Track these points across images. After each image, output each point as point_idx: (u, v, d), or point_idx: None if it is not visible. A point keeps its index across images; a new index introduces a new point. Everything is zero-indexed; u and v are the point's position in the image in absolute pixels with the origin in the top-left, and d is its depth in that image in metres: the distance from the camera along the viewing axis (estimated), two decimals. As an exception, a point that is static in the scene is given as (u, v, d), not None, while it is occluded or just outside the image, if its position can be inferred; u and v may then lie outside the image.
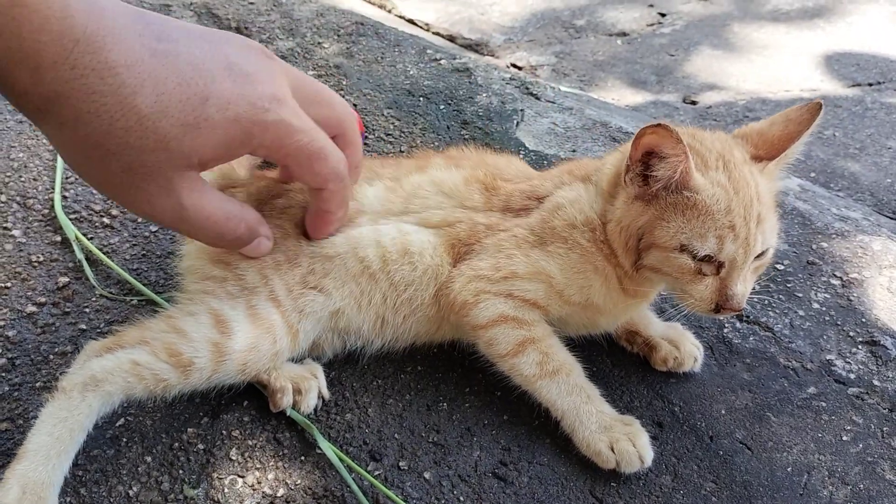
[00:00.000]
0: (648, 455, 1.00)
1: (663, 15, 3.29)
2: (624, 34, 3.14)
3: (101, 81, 0.74)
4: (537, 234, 1.08)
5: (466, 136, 1.64)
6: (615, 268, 1.06)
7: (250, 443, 1.05)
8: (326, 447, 1.03)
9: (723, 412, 1.12)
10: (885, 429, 1.11)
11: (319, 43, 1.92)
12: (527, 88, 1.87)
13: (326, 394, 1.10)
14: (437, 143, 1.61)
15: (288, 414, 1.07)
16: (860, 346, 1.23)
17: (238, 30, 1.94)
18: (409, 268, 1.10)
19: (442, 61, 1.90)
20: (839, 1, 3.27)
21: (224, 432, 1.06)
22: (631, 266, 1.03)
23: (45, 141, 1.53)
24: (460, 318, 1.09)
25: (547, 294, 1.07)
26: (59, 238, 1.34)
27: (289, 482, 1.01)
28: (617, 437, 1.01)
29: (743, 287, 0.99)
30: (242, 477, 1.01)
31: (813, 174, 2.21)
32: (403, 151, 1.59)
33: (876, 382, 1.17)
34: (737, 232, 0.96)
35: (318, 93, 0.96)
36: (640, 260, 1.01)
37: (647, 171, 0.99)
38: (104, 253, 1.32)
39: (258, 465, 1.03)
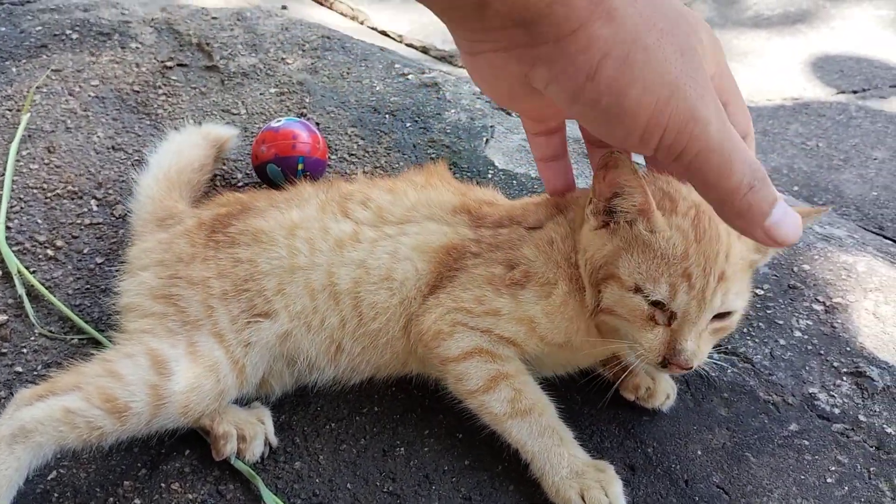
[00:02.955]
0: (621, 506, 0.93)
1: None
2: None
3: None
4: (526, 272, 1.01)
5: (433, 155, 1.57)
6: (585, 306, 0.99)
7: (191, 496, 0.98)
8: (271, 501, 0.96)
9: (699, 453, 1.05)
10: (871, 469, 1.04)
11: (283, 59, 1.85)
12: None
13: (274, 441, 1.03)
14: (401, 164, 1.54)
15: (232, 462, 1.00)
16: (844, 378, 1.16)
17: (199, 46, 1.87)
18: (387, 294, 1.04)
19: (410, 76, 1.83)
20: (822, 5, 3.22)
21: (163, 485, 0.99)
22: (593, 307, 0.96)
23: (-11, 167, 1.45)
24: (430, 349, 1.02)
25: (527, 336, 1.01)
26: (-1, 272, 1.26)
27: (231, 540, 0.94)
28: (589, 484, 0.94)
29: (694, 345, 0.91)
30: (181, 535, 0.94)
31: (796, 188, 2.15)
32: (367, 172, 1.51)
33: (862, 417, 1.10)
34: (692, 282, 0.89)
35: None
36: (598, 299, 0.95)
37: (611, 208, 0.93)
38: (46, 287, 1.24)
39: (198, 522, 0.95)
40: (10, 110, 1.60)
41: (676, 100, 0.65)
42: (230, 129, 1.44)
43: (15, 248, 1.30)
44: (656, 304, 0.91)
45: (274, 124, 1.40)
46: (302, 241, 1.07)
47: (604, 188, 0.92)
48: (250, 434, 1.01)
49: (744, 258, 0.94)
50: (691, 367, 0.93)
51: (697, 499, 1.00)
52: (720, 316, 0.93)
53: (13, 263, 1.27)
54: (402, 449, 1.05)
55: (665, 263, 0.89)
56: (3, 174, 1.44)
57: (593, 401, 1.10)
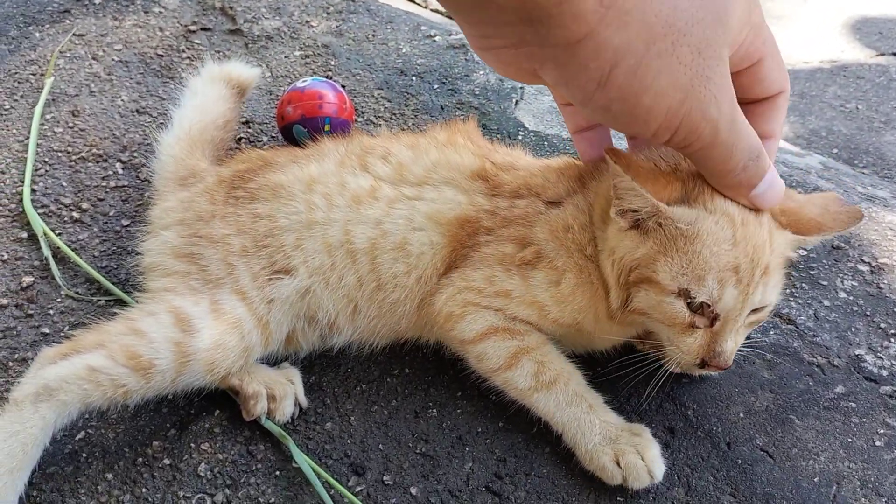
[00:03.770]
0: (659, 469, 0.90)
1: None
2: (633, 7, 2.99)
3: None
4: (538, 252, 0.97)
5: (462, 117, 1.53)
6: (607, 303, 0.94)
7: (221, 456, 0.96)
8: (302, 461, 0.94)
9: (741, 415, 1.02)
10: (922, 432, 1.00)
11: (307, 21, 1.82)
12: (528, 65, 1.75)
13: (304, 401, 1.01)
14: (429, 126, 1.50)
15: (262, 423, 0.98)
16: (893, 339, 1.11)
17: (223, 10, 1.84)
18: (404, 268, 1.01)
19: (437, 38, 1.78)
20: (859, -33, 3.11)
21: (192, 445, 0.97)
22: (620, 306, 0.92)
23: (15, 131, 1.44)
24: (445, 331, 1.00)
25: (540, 318, 0.98)
26: (25, 234, 1.25)
27: (261, 500, 0.92)
28: (623, 449, 0.91)
29: (733, 343, 0.88)
30: (211, 495, 0.92)
31: (836, 150, 2.08)
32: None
33: (911, 379, 1.06)
34: (740, 276, 0.83)
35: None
36: (628, 300, 0.91)
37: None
38: (72, 249, 1.23)
39: (228, 482, 0.94)
40: (34, 75, 1.58)
41: (689, 103, 0.66)
42: (253, 69, 1.40)
43: (40, 211, 1.29)
44: (699, 309, 0.86)
45: (300, 84, 1.37)
46: (319, 195, 1.04)
47: None
48: (280, 394, 0.99)
49: (783, 253, 0.88)
50: (729, 367, 0.90)
51: (740, 461, 0.96)
52: (755, 310, 0.89)
53: (39, 226, 1.25)
54: (435, 410, 1.02)
55: (711, 256, 0.83)
56: (28, 137, 1.42)
57: (629, 363, 1.07)
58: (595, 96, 0.65)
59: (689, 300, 0.85)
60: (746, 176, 0.77)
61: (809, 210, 0.90)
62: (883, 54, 2.55)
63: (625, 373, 1.01)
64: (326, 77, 1.63)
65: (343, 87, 1.60)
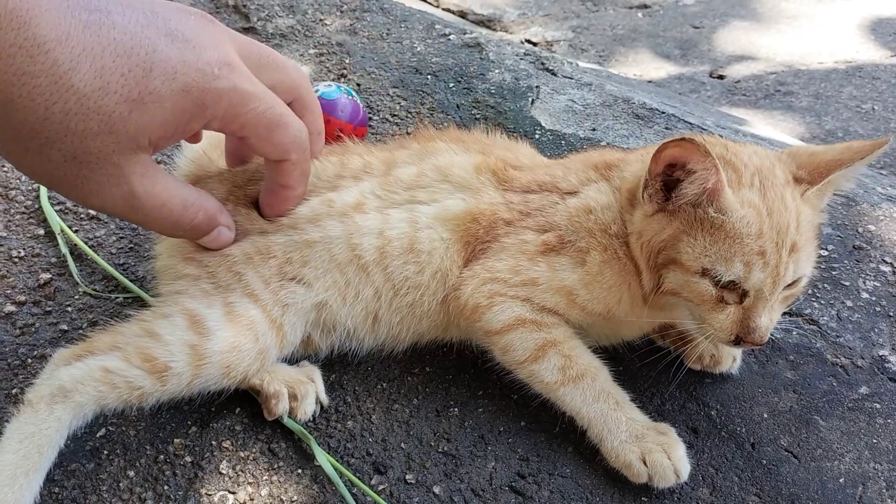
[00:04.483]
0: (685, 469, 0.90)
1: (686, -14, 3.14)
2: (645, 6, 3.00)
3: (30, 61, 0.65)
4: (562, 238, 0.97)
5: (478, 116, 1.52)
6: (639, 284, 0.96)
7: (242, 454, 0.96)
8: (324, 460, 0.93)
9: (765, 416, 1.01)
10: (948, 433, 0.99)
11: (321, 20, 1.81)
12: (542, 64, 1.75)
13: (325, 399, 1.01)
14: (446, 124, 1.50)
15: (284, 422, 0.98)
16: (916, 340, 1.11)
17: (236, 8, 1.84)
18: (415, 268, 1.00)
19: (451, 37, 1.78)
20: (873, -33, 3.10)
21: (214, 443, 0.97)
22: (652, 289, 0.93)
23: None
24: (472, 322, 0.99)
25: (568, 306, 0.98)
26: (41, 231, 1.25)
27: (284, 498, 0.91)
28: (650, 447, 0.90)
29: (768, 319, 0.89)
30: (233, 493, 0.92)
31: (851, 151, 2.07)
32: (410, 133, 1.48)
33: (936, 380, 1.05)
34: (766, 259, 0.86)
35: (268, 56, 0.88)
36: (660, 281, 0.92)
37: (669, 185, 0.90)
38: (89, 246, 1.22)
39: (250, 480, 0.93)
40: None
41: (73, 193, 0.80)
42: None
43: (57, 208, 1.28)
44: (727, 286, 0.88)
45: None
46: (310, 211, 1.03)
47: (660, 169, 0.88)
48: (301, 393, 0.98)
49: (812, 222, 0.90)
50: (765, 343, 0.89)
51: (765, 462, 0.96)
52: (790, 284, 0.89)
53: (56, 223, 1.25)
54: (456, 409, 1.02)
55: (739, 243, 0.86)
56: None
57: (652, 362, 1.06)
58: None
59: (715, 279, 0.87)
60: (184, 237, 0.96)
61: (829, 154, 0.94)
62: (898, 54, 2.55)
63: (646, 371, 1.00)
64: (341, 76, 1.62)
65: (358, 86, 1.59)
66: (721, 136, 0.95)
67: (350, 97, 1.31)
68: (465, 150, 1.09)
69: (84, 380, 0.89)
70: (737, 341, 0.90)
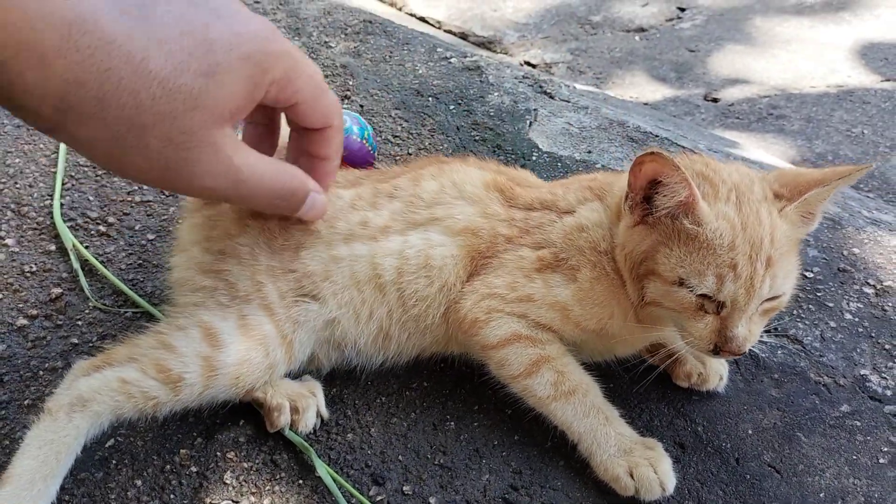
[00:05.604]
0: (670, 482, 0.93)
1: (682, 9, 3.20)
2: (642, 30, 3.05)
3: (108, 57, 0.69)
4: (557, 255, 1.02)
5: (477, 138, 1.57)
6: (628, 298, 0.99)
7: (246, 465, 0.99)
8: (324, 471, 0.97)
9: (749, 432, 1.05)
10: (925, 450, 1.03)
11: (326, 42, 1.87)
12: (540, 87, 1.80)
13: (325, 413, 1.04)
14: (446, 145, 1.55)
15: (286, 434, 1.02)
16: (897, 360, 1.15)
17: (243, 29, 1.88)
18: (425, 282, 1.04)
19: (452, 60, 1.83)
20: (865, -7, 3.17)
21: (218, 454, 1.01)
22: (638, 299, 0.97)
23: (42, 146, 1.48)
24: (469, 337, 1.03)
25: (563, 322, 1.02)
26: (53, 247, 1.29)
27: (285, 508, 0.95)
28: (637, 461, 0.94)
29: (745, 330, 0.92)
30: (237, 502, 0.95)
31: (841, 174, 2.12)
32: (411, 154, 1.52)
33: (915, 399, 1.09)
34: (738, 272, 0.89)
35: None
36: (643, 292, 0.96)
37: (650, 198, 0.93)
38: (100, 262, 1.26)
39: (254, 490, 0.97)
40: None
41: (172, 180, 0.80)
42: None
43: (68, 224, 1.32)
44: (703, 296, 0.91)
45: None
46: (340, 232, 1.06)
47: (641, 183, 0.92)
48: (303, 406, 1.02)
49: (789, 237, 0.93)
50: (744, 353, 0.93)
51: (749, 477, 1.00)
52: (769, 299, 0.93)
53: (68, 239, 1.29)
54: (452, 423, 1.06)
55: (711, 255, 0.89)
56: (55, 152, 1.46)
57: (641, 379, 1.10)
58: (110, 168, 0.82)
59: (689, 288, 0.91)
60: (284, 209, 0.93)
61: (813, 175, 0.96)
62: (889, 80, 2.60)
63: (636, 388, 1.04)
64: (344, 98, 1.67)
65: (361, 107, 1.64)
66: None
67: (361, 139, 1.31)
68: (480, 167, 1.13)
69: (101, 390, 0.93)
70: (716, 350, 0.93)
